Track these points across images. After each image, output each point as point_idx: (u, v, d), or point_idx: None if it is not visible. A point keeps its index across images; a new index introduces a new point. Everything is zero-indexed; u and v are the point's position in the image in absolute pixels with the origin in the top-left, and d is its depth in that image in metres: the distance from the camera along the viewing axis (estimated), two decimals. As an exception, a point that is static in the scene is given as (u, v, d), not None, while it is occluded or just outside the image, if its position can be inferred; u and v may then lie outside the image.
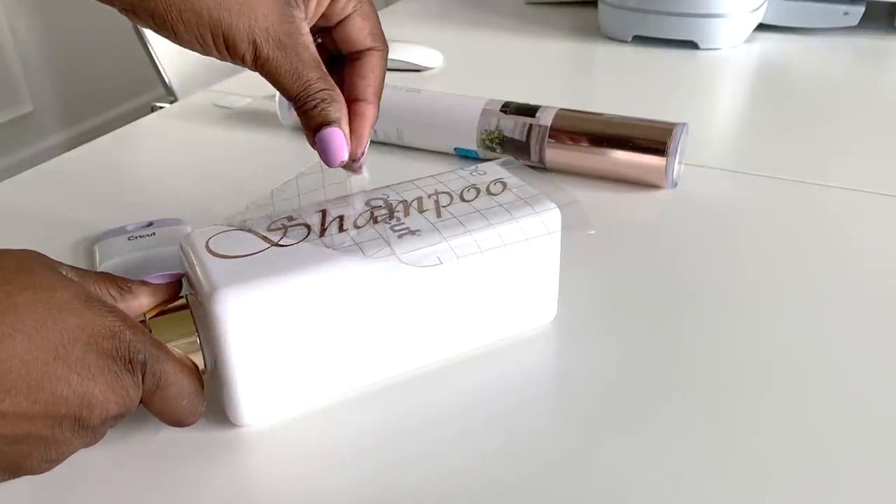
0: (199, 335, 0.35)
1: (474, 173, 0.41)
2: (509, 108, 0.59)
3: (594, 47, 0.90)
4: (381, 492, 0.33)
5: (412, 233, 0.36)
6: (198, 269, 0.35)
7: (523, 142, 0.58)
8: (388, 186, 0.40)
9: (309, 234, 0.36)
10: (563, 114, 0.58)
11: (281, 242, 0.36)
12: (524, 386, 0.39)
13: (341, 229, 0.37)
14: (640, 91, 0.76)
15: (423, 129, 0.62)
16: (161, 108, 0.84)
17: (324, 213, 0.38)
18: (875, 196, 0.55)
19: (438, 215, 0.38)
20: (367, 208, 0.38)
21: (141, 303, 0.35)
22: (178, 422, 0.34)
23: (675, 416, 0.37)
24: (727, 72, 0.82)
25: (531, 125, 0.58)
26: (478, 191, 0.40)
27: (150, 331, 0.34)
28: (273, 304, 0.34)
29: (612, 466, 0.34)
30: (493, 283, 0.39)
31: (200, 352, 0.35)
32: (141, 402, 0.32)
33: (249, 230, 0.37)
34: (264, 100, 0.72)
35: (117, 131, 0.71)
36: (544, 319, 0.42)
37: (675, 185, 0.57)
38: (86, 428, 0.30)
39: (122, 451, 0.35)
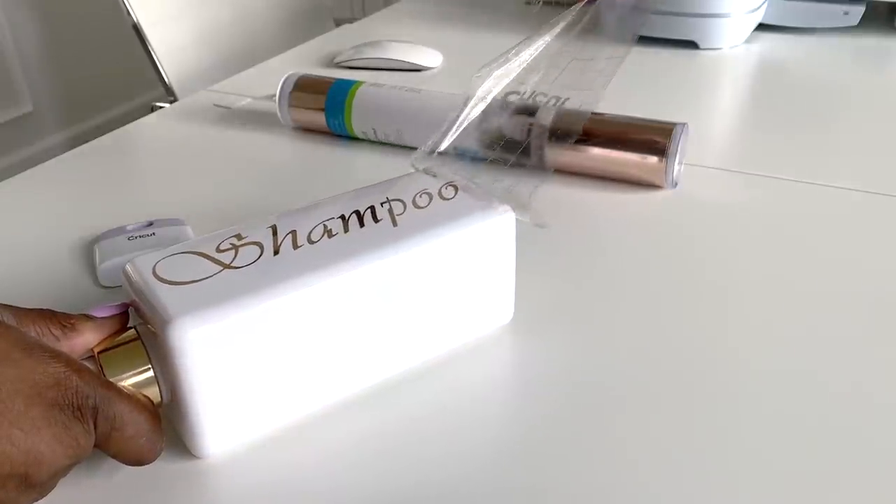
0: (153, 367, 0.33)
1: (425, 178, 0.41)
2: (509, 108, 0.59)
3: (594, 47, 0.90)
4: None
5: (368, 245, 0.35)
6: (149, 297, 0.33)
7: (523, 142, 0.58)
8: (338, 196, 0.39)
9: (262, 254, 0.35)
10: (563, 114, 0.58)
11: (233, 264, 0.34)
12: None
13: (295, 246, 0.35)
14: (640, 91, 0.76)
15: (423, 129, 0.62)
16: (161, 108, 0.84)
17: (274, 228, 0.36)
18: (875, 196, 0.55)
19: (394, 224, 0.37)
20: (320, 222, 0.37)
21: (86, 339, 0.33)
22: (137, 461, 0.32)
23: (671, 414, 0.37)
24: (727, 72, 0.82)
25: (531, 125, 0.58)
26: (430, 196, 0.39)
27: (101, 367, 0.32)
28: (231, 331, 0.32)
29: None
30: (449, 290, 0.39)
31: (156, 384, 0.33)
32: (96, 446, 0.30)
33: (197, 253, 0.35)
34: (264, 100, 0.72)
35: (117, 131, 0.71)
36: (501, 321, 0.42)
37: (675, 185, 0.57)
38: (33, 485, 0.28)
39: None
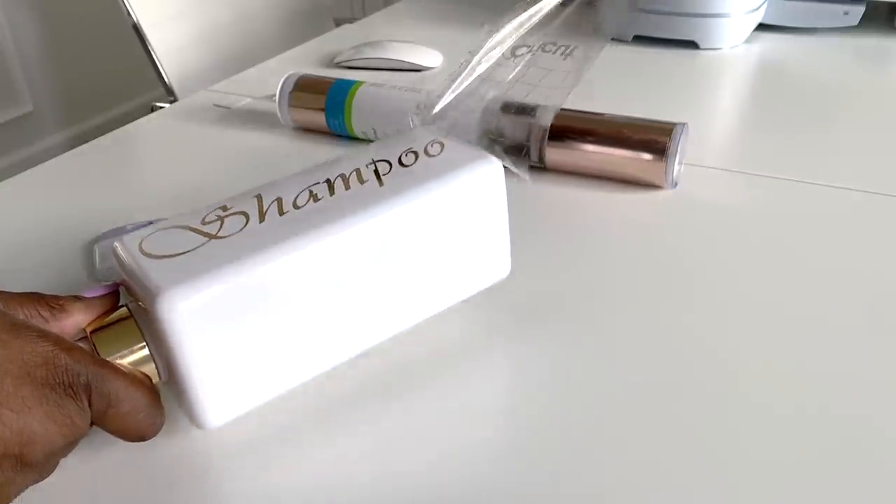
0: (147, 344, 0.33)
1: (410, 137, 0.40)
2: (509, 108, 0.59)
3: (594, 47, 0.90)
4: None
5: (355, 206, 0.35)
6: (136, 273, 0.32)
7: (523, 142, 0.58)
8: (321, 165, 0.39)
9: (247, 222, 0.34)
10: (563, 114, 0.58)
11: (219, 234, 0.34)
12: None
13: (281, 212, 0.35)
14: (640, 91, 0.76)
15: (423, 128, 0.62)
16: (161, 108, 0.84)
17: (259, 198, 0.36)
18: (875, 196, 0.55)
19: (381, 184, 0.36)
20: (305, 188, 0.36)
21: (76, 320, 0.33)
22: (139, 437, 0.32)
23: (671, 414, 0.37)
24: (727, 72, 0.82)
25: (531, 125, 0.58)
26: (416, 154, 0.38)
27: (95, 346, 0.32)
28: (221, 299, 0.32)
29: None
30: (442, 247, 0.38)
31: (153, 362, 0.33)
32: (94, 424, 0.30)
33: (183, 227, 0.34)
34: (264, 100, 0.72)
35: (117, 131, 0.71)
36: (499, 276, 0.42)
37: (675, 185, 0.57)
38: (30, 465, 0.28)
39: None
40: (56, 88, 2.22)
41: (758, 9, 0.87)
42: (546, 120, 0.58)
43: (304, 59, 0.88)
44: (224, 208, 0.36)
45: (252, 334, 0.34)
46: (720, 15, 0.85)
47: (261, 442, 0.36)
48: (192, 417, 0.34)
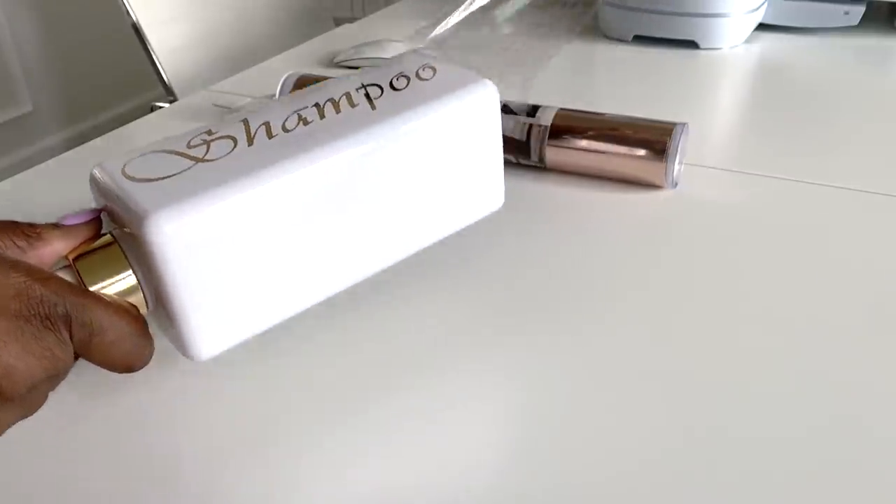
0: (134, 272, 0.31)
1: (400, 62, 0.39)
2: (509, 108, 0.59)
3: (594, 47, 0.90)
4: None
5: (346, 129, 0.34)
6: (121, 196, 0.31)
7: (523, 142, 0.58)
8: (307, 91, 0.37)
9: (236, 145, 0.33)
10: (563, 114, 0.58)
11: (206, 157, 0.32)
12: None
13: (270, 136, 0.34)
14: (640, 91, 0.76)
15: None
16: (161, 108, 0.84)
17: (246, 122, 0.35)
18: (875, 196, 0.55)
19: (373, 108, 0.35)
20: (294, 111, 0.35)
21: (55, 248, 0.31)
22: (126, 367, 0.31)
23: (671, 415, 0.37)
24: (727, 72, 0.82)
25: (531, 125, 0.58)
26: (408, 78, 0.37)
27: (79, 274, 0.30)
28: (210, 223, 0.31)
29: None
30: (434, 173, 0.37)
31: (140, 291, 0.31)
32: (79, 355, 0.29)
33: (167, 151, 0.33)
34: (264, 99, 0.72)
35: (117, 131, 0.71)
36: (492, 207, 0.41)
37: (675, 185, 0.57)
38: (11, 399, 0.27)
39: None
40: (55, 88, 2.22)
41: (758, 9, 0.87)
42: (546, 120, 0.58)
43: (304, 59, 0.88)
44: (209, 132, 0.34)
45: (243, 260, 0.32)
46: (720, 15, 0.85)
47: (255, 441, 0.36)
48: (183, 348, 0.33)
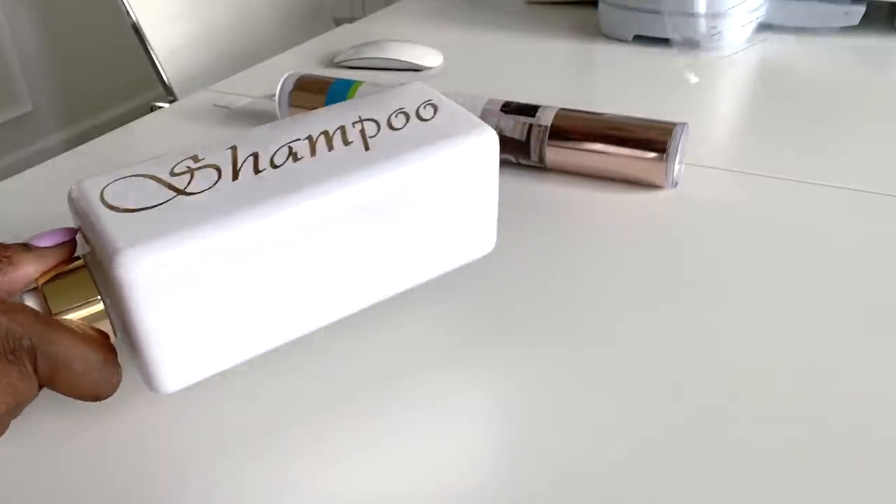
0: (103, 298, 0.31)
1: (402, 94, 0.37)
2: (509, 108, 0.59)
3: (594, 47, 0.90)
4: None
5: (335, 173, 0.32)
6: (95, 226, 0.30)
7: (523, 142, 0.58)
8: (303, 116, 0.36)
9: (219, 178, 0.32)
10: (563, 114, 0.58)
11: (188, 190, 0.31)
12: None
13: (257, 171, 0.32)
14: (640, 91, 0.76)
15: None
16: (161, 108, 0.84)
17: (234, 150, 0.33)
18: (875, 196, 0.55)
19: (366, 148, 0.33)
20: (285, 143, 0.33)
21: (25, 272, 0.30)
22: (94, 397, 0.30)
23: (670, 415, 0.37)
24: (727, 72, 0.82)
25: (531, 125, 0.58)
26: (407, 116, 0.35)
27: (46, 299, 0.30)
28: (184, 262, 0.30)
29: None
30: (425, 219, 0.36)
31: (107, 317, 0.31)
32: (43, 386, 0.29)
33: (149, 176, 0.31)
34: (264, 100, 0.72)
35: (117, 131, 0.71)
36: (483, 251, 0.40)
37: (675, 185, 0.57)
38: None
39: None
40: (55, 88, 2.22)
41: (758, 9, 0.87)
42: (546, 120, 0.57)
43: (304, 59, 0.88)
44: (195, 158, 0.33)
45: (214, 299, 0.31)
46: (720, 15, 0.85)
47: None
48: (147, 380, 0.32)
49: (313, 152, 0.33)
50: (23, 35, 2.10)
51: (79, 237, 0.32)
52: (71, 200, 0.32)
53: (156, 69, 1.15)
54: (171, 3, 1.19)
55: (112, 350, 0.31)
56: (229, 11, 1.28)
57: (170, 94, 1.15)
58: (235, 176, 0.32)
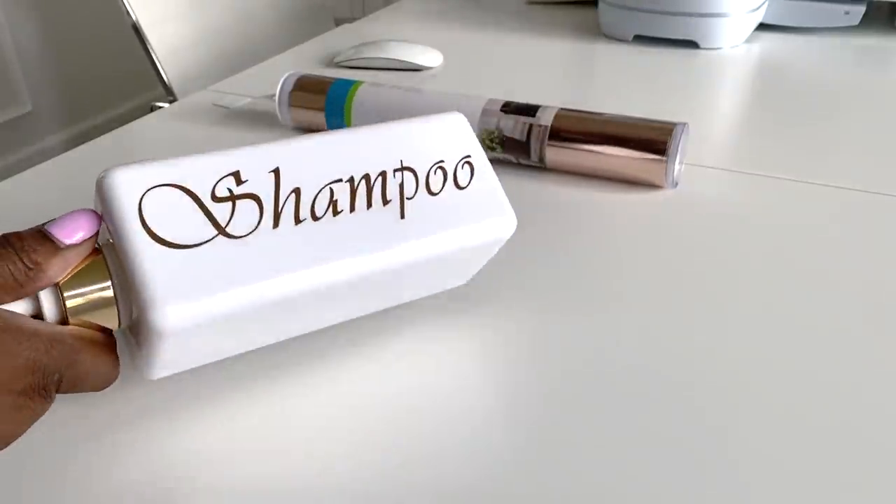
0: (113, 284, 0.31)
1: (442, 141, 0.39)
2: (509, 108, 0.59)
3: (594, 47, 0.90)
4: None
5: (372, 241, 0.35)
6: (129, 253, 0.30)
7: (523, 141, 0.58)
8: (348, 137, 0.36)
9: (260, 219, 0.32)
10: (563, 114, 0.58)
11: (229, 230, 0.32)
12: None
13: (297, 220, 0.33)
14: (640, 91, 0.76)
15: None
16: (161, 108, 0.84)
17: (277, 175, 0.33)
18: (875, 196, 0.55)
19: (402, 216, 0.36)
20: (326, 185, 0.34)
21: (52, 275, 0.30)
22: (93, 390, 0.32)
23: (670, 415, 0.37)
24: (727, 72, 0.82)
25: (531, 125, 0.58)
26: (444, 176, 0.37)
27: (62, 294, 0.30)
28: (219, 319, 0.31)
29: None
30: (436, 271, 0.39)
31: (115, 305, 0.31)
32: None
33: (188, 192, 0.32)
34: (264, 99, 0.72)
35: (117, 131, 0.71)
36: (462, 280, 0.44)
37: (675, 185, 0.57)
38: None
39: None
40: (55, 88, 2.22)
41: (758, 9, 0.87)
42: (546, 120, 0.58)
43: (304, 59, 0.88)
44: (238, 178, 0.33)
45: (228, 330, 0.33)
46: (720, 15, 0.85)
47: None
48: (141, 369, 0.34)
49: (353, 208, 0.35)
50: (23, 35, 2.10)
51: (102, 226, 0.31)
52: (99, 189, 0.31)
53: (156, 69, 1.15)
54: (171, 3, 1.19)
55: (115, 347, 0.32)
56: (229, 11, 1.28)
57: (170, 94, 1.15)
58: (276, 222, 0.33)
